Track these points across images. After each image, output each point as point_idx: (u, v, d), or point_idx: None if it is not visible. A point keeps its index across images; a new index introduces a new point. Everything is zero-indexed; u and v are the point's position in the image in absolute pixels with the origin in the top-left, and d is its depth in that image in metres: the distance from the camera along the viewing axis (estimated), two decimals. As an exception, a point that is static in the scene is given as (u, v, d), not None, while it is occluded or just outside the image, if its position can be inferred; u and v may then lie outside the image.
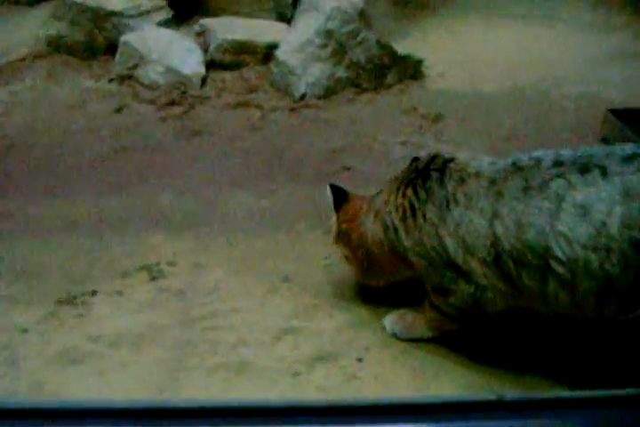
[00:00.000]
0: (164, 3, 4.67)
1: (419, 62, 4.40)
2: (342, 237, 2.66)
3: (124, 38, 4.30)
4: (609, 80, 4.58)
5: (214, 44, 4.34)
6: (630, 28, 5.23)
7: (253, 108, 4.10)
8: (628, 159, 2.08)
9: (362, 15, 4.18)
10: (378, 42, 4.20)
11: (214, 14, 4.76)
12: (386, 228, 2.46)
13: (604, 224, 2.03)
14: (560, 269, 2.10)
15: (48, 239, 3.07)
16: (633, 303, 2.09)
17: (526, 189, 2.16)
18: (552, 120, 4.13)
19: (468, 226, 2.24)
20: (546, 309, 2.26)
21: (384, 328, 2.60)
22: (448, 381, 2.42)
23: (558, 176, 2.13)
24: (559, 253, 2.08)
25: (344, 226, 2.65)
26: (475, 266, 2.25)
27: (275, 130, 3.93)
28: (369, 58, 4.18)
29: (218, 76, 4.34)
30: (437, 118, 4.06)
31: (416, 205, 2.37)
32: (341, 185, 2.78)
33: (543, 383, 2.41)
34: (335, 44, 4.12)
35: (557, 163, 2.17)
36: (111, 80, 4.34)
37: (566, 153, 2.20)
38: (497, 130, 4.03)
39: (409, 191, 2.41)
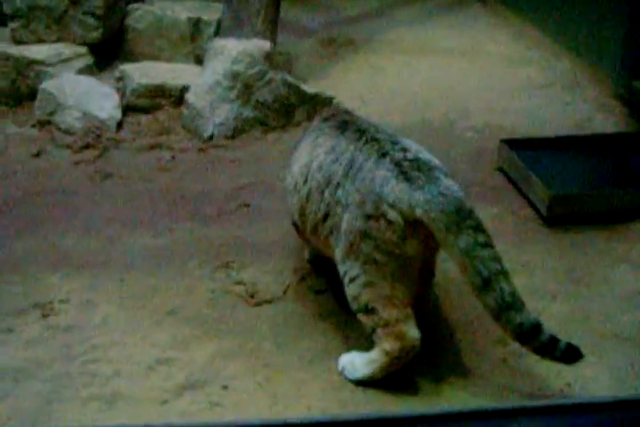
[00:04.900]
0: (85, 50, 4.85)
1: (328, 100, 4.57)
2: None
3: (42, 86, 4.47)
4: (515, 110, 4.78)
5: (130, 88, 4.52)
6: (541, 61, 5.44)
7: (165, 150, 4.26)
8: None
9: (268, 57, 4.36)
10: (285, 82, 4.38)
11: (135, 60, 4.96)
12: None
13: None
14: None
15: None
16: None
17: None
18: (454, 150, 4.30)
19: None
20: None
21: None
22: (305, 406, 2.56)
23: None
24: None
25: None
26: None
27: (183, 170, 4.09)
28: (276, 98, 4.36)
29: (134, 119, 4.51)
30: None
31: None
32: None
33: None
34: (241, 85, 4.30)
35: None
36: (33, 126, 4.51)
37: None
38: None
39: None
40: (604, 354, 2.77)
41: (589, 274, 3.25)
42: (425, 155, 2.63)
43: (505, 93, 5.03)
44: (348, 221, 2.57)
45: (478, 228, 2.42)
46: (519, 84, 5.14)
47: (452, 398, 2.59)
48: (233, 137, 4.30)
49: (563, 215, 3.56)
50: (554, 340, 2.42)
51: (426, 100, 4.93)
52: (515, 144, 4.00)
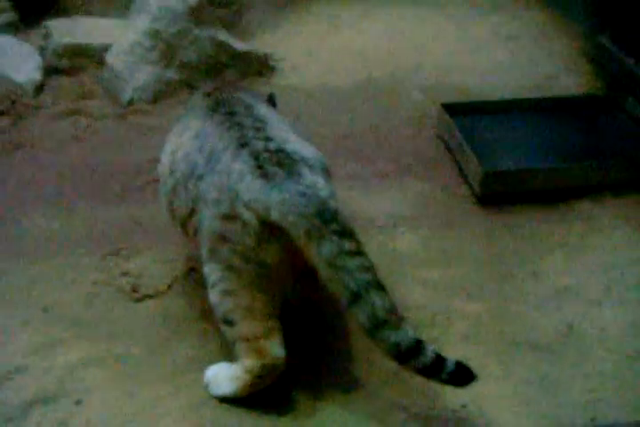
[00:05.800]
0: (8, 5, 4.48)
1: (263, 57, 4.18)
2: None
3: (-48, 46, 4.15)
4: (473, 67, 4.36)
5: (52, 47, 4.16)
6: (510, 8, 4.96)
7: (83, 117, 3.92)
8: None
9: (194, 13, 3.96)
10: (212, 40, 3.99)
11: (65, 15, 4.58)
12: None
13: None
14: None
15: None
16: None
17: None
18: (396, 114, 3.92)
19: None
20: None
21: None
22: (169, 423, 2.29)
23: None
24: None
25: None
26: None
27: (97, 140, 3.76)
28: (203, 57, 3.98)
29: (56, 82, 4.16)
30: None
31: None
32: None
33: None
34: (163, 45, 3.92)
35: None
36: (-53, 91, 4.19)
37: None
38: (335, 128, 3.83)
39: None
40: (513, 366, 2.44)
41: (517, 265, 2.90)
42: (292, 145, 2.28)
43: (466, 46, 4.59)
44: (207, 219, 2.25)
45: (344, 233, 2.08)
46: (484, 36, 4.69)
47: (330, 418, 2.30)
48: (155, 102, 3.94)
49: (498, 194, 3.19)
50: (439, 360, 2.08)
51: (377, 54, 4.52)
52: (455, 109, 3.60)
